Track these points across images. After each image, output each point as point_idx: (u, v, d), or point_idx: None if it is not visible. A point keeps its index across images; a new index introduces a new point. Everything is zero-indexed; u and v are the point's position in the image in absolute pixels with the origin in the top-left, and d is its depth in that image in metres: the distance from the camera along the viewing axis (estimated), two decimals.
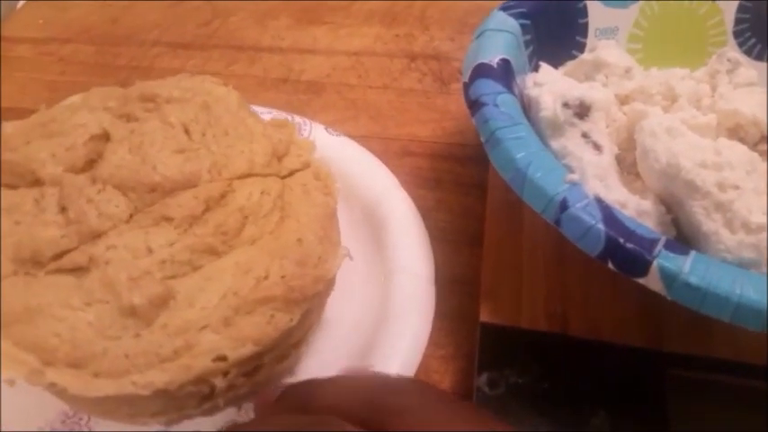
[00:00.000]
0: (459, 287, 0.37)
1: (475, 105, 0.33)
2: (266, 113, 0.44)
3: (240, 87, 0.38)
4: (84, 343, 0.28)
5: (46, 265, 0.30)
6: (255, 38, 0.58)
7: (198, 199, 0.31)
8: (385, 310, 0.35)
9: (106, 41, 0.58)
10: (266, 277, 0.30)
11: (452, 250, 0.39)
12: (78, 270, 0.30)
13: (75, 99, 0.38)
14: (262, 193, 0.33)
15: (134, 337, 0.28)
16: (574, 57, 0.43)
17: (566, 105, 0.32)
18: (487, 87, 0.33)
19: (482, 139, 0.32)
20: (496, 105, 0.32)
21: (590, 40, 0.44)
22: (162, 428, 0.32)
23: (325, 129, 0.44)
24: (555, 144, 0.32)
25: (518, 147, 0.30)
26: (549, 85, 0.34)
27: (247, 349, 0.28)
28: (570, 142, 0.32)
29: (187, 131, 0.34)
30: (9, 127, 0.36)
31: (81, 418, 0.33)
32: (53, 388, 0.28)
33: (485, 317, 0.32)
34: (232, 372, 0.28)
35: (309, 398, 0.21)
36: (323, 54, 0.56)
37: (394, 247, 0.37)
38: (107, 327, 0.28)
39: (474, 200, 0.43)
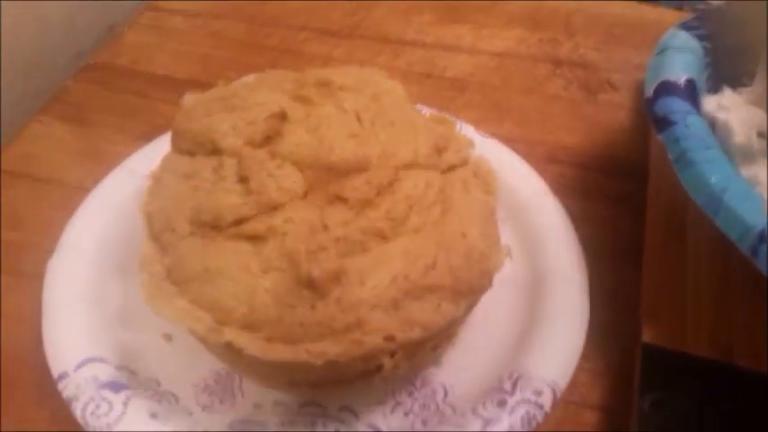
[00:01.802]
0: (606, 302, 0.37)
1: (662, 123, 0.32)
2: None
3: None
4: (260, 307, 0.29)
5: (224, 230, 0.31)
6: (400, 31, 0.58)
7: (371, 184, 0.32)
8: (536, 313, 0.35)
9: (255, 21, 0.60)
10: (434, 266, 0.30)
11: (598, 263, 0.39)
12: (255, 238, 0.31)
13: (249, 79, 0.39)
14: (426, 184, 0.34)
15: (309, 308, 0.29)
16: (743, 84, 0.42)
17: (761, 135, 0.32)
18: (676, 105, 0.33)
19: (671, 158, 0.31)
20: (687, 126, 0.31)
21: (760, 69, 0.42)
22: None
23: (475, 129, 0.44)
24: (745, 172, 0.32)
25: (712, 171, 0.29)
26: (736, 111, 0.33)
27: (416, 333, 0.29)
28: (762, 171, 0.31)
29: (359, 119, 0.35)
30: (190, 99, 0.38)
31: (234, 380, 0.34)
32: (221, 348, 0.30)
33: (647, 338, 0.32)
34: (399, 353, 0.29)
35: None
36: (466, 52, 0.56)
37: (546, 251, 0.37)
38: (284, 295, 0.29)
39: (624, 215, 0.42)
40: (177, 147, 0.36)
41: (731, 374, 0.30)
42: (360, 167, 0.33)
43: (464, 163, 0.37)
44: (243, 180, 0.32)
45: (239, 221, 0.31)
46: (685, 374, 0.30)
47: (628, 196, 0.42)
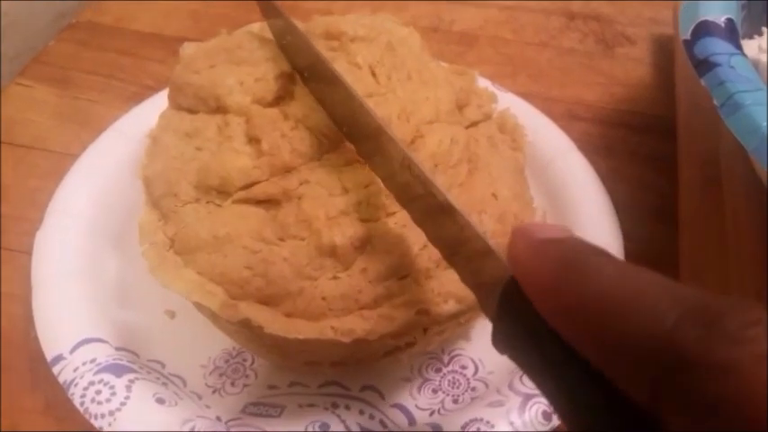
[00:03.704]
0: (642, 263, 0.34)
1: (704, 65, 0.29)
2: None
3: None
4: (278, 279, 0.26)
5: (232, 195, 0.28)
6: None
7: None
8: None
9: None
10: None
11: (628, 223, 0.36)
12: (268, 203, 0.28)
13: (254, 27, 0.35)
14: (451, 141, 0.31)
15: (332, 279, 0.26)
16: None
17: None
18: (718, 47, 0.30)
19: (716, 103, 0.29)
20: (732, 67, 0.29)
21: None
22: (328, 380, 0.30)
23: (492, 83, 0.41)
24: None
25: (762, 114, 0.27)
26: None
27: (450, 306, 0.26)
28: None
29: (374, 74, 0.32)
30: (190, 48, 0.34)
31: (245, 359, 0.31)
32: (235, 326, 0.27)
33: None
34: (432, 328, 0.26)
35: (588, 272, 0.15)
36: (474, 5, 0.53)
37: (576, 212, 0.35)
38: (304, 265, 0.26)
39: (652, 172, 0.39)
40: (176, 103, 0.32)
41: None
42: None
43: (487, 118, 0.34)
44: (252, 141, 0.29)
45: (249, 185, 0.28)
46: None
47: (656, 153, 0.40)
